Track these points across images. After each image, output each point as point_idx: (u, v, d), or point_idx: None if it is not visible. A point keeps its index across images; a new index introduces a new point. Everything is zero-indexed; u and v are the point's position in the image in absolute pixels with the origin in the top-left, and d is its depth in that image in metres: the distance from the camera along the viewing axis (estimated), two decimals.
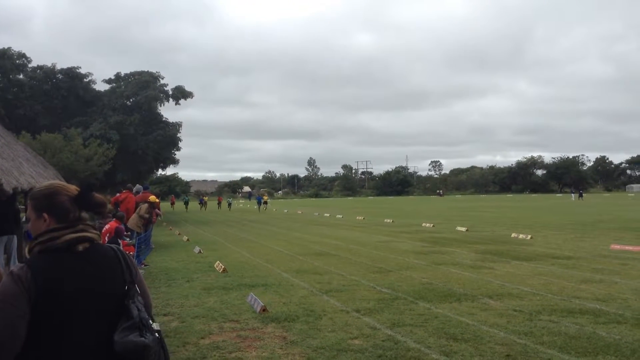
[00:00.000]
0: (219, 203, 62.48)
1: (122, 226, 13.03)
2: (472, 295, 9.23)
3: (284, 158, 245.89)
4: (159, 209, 16.97)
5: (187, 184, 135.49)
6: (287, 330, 7.10)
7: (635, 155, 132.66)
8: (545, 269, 12.17)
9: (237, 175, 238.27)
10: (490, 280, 10.74)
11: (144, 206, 15.86)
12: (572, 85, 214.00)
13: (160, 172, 65.43)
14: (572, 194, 79.67)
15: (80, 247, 2.29)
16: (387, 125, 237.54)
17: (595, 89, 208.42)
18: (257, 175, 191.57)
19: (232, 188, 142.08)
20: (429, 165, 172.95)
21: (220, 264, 12.76)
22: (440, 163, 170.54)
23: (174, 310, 8.50)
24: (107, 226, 12.66)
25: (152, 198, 16.64)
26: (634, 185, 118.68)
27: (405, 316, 7.76)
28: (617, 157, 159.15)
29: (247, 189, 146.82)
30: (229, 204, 59.55)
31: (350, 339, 6.60)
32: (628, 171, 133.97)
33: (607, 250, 15.46)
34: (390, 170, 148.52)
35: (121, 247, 2.64)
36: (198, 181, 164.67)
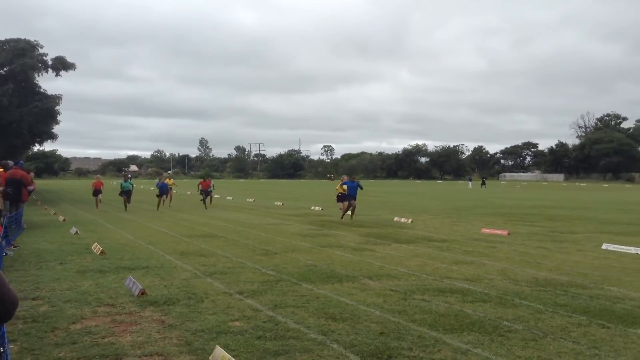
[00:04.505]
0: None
1: None
2: (353, 276, 9.54)
3: (172, 137, 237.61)
4: (31, 186, 15.75)
5: (66, 161, 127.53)
6: (166, 313, 6.93)
7: (508, 145, 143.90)
8: (422, 251, 12.85)
9: (122, 154, 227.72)
10: (371, 262, 11.15)
11: None
12: (450, 76, 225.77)
13: (37, 147, 60.82)
14: (470, 182, 78.99)
15: None
16: (277, 107, 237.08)
17: (471, 81, 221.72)
18: (146, 154, 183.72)
19: (117, 167, 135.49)
20: (322, 149, 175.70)
21: (98, 246, 12.16)
22: (332, 148, 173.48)
23: (44, 294, 7.99)
24: None
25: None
26: (507, 174, 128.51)
27: (287, 297, 7.85)
28: (492, 148, 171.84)
29: (134, 167, 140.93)
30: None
31: (231, 321, 6.57)
32: (502, 161, 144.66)
33: (479, 233, 16.62)
34: (283, 153, 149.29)
35: None
36: (80, 158, 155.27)
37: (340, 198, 20.91)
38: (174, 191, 31.05)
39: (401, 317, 6.85)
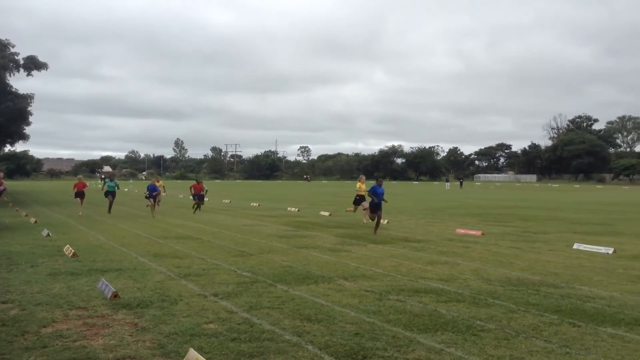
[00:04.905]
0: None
1: None
2: (329, 277, 9.55)
3: (146, 138, 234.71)
4: (1, 186, 15.46)
5: (39, 162, 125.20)
6: (139, 316, 6.84)
7: (483, 147, 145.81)
8: (398, 251, 12.92)
9: (95, 154, 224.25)
10: (347, 262, 11.18)
11: None
12: (424, 78, 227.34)
13: (8, 148, 59.58)
14: (447, 183, 78.05)
15: None
16: (253, 108, 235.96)
17: (445, 83, 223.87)
18: (119, 154, 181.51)
19: (90, 167, 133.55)
20: (298, 150, 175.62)
21: (70, 248, 11.97)
22: (309, 148, 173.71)
23: (14, 297, 7.83)
24: None
25: None
26: (481, 175, 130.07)
27: (263, 299, 7.82)
28: (467, 149, 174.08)
29: (107, 168, 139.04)
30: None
31: (205, 324, 6.52)
32: (476, 162, 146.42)
33: (453, 234, 16.79)
34: (259, 154, 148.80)
35: None
36: (52, 159, 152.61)
37: (358, 200, 19.57)
38: (165, 194, 27.90)
39: (376, 317, 6.87)
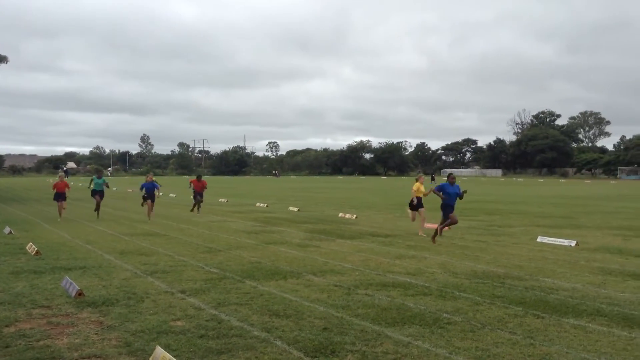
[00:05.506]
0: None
1: None
2: (298, 272, 9.56)
3: (110, 133, 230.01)
4: None
5: (0, 158, 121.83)
6: (104, 314, 6.72)
7: (449, 142, 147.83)
8: (366, 246, 13.00)
9: (58, 150, 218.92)
10: (315, 257, 11.19)
11: None
12: (391, 74, 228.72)
13: None
14: None
15: None
16: (219, 103, 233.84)
17: (411, 78, 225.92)
18: (84, 150, 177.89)
19: (54, 164, 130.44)
20: (267, 145, 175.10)
21: (33, 246, 11.68)
22: (277, 144, 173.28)
23: None
24: None
25: None
26: (448, 170, 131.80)
27: (231, 295, 7.78)
28: (434, 144, 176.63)
29: (72, 164, 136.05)
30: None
31: (172, 321, 6.45)
32: (443, 157, 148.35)
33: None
34: (227, 149, 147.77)
35: None
36: (14, 155, 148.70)
37: (415, 206, 16.05)
38: (160, 193, 22.10)
39: (345, 312, 6.91)
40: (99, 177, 21.29)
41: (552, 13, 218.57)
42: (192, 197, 23.57)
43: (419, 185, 16.12)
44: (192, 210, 22.77)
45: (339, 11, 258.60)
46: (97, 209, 20.49)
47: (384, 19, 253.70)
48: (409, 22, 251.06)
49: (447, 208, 13.98)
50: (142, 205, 20.51)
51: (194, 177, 23.63)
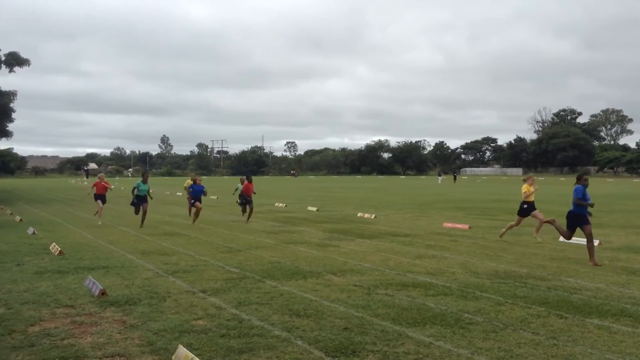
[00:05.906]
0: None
1: None
2: (317, 272, 9.56)
3: (130, 134, 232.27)
4: None
5: (23, 160, 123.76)
6: (127, 314, 6.80)
7: (468, 141, 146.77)
8: (386, 245, 12.96)
9: (79, 151, 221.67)
10: (335, 257, 11.19)
11: None
12: (407, 72, 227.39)
13: None
14: (440, 177, 72.08)
15: None
16: (236, 103, 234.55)
17: (427, 77, 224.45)
18: (105, 151, 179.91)
19: (76, 165, 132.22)
20: (285, 145, 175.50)
21: (57, 246, 11.86)
22: (296, 144, 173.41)
23: (1, 296, 7.78)
24: None
25: None
26: (467, 169, 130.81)
27: (251, 295, 7.81)
28: (453, 143, 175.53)
29: (93, 165, 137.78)
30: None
31: (194, 320, 6.50)
32: (462, 156, 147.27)
33: (440, 227, 16.87)
34: (246, 149, 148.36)
35: None
36: (36, 157, 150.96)
37: (526, 210, 14.07)
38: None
39: (365, 311, 6.89)
40: (144, 182, 17.85)
41: (567, 9, 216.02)
42: (237, 202, 20.74)
43: (528, 187, 14.11)
44: (246, 219, 19.27)
45: (353, 9, 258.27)
46: (142, 217, 17.53)
47: (398, 17, 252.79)
48: (424, 20, 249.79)
49: (579, 219, 10.93)
50: (194, 220, 18.33)
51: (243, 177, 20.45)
